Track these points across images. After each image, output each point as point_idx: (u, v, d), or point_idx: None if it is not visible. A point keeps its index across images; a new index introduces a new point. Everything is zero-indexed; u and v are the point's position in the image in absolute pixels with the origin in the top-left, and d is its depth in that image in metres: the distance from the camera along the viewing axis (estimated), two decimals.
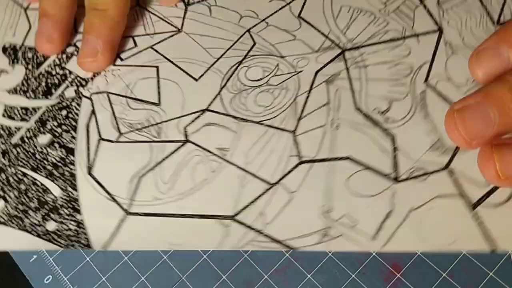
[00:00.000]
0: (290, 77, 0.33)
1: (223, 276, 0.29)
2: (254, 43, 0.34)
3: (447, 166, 0.28)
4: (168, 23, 0.37)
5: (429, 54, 0.32)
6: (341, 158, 0.29)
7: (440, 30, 0.32)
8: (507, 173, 0.25)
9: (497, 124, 0.26)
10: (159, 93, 0.34)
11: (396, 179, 0.28)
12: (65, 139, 0.33)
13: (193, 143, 0.32)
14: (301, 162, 0.30)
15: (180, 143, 0.32)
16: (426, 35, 0.32)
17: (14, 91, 0.36)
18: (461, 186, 0.28)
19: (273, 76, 0.33)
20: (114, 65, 0.36)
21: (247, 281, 0.29)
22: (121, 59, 0.36)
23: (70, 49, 0.37)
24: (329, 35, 0.34)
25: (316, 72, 0.32)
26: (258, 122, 0.32)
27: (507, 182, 0.26)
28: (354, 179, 0.29)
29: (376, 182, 0.28)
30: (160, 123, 0.33)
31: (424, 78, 0.31)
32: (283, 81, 0.33)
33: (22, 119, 0.35)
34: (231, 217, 0.29)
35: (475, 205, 0.27)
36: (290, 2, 0.36)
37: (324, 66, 0.33)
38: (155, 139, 0.32)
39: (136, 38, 0.37)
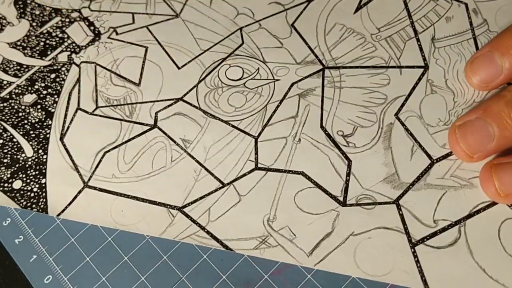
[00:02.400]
0: (266, 83, 0.33)
1: (223, 276, 0.29)
2: (242, 43, 0.35)
3: (397, 200, 0.29)
4: (169, 6, 0.37)
5: (407, 88, 0.31)
6: (295, 172, 0.30)
7: (426, 67, 0.32)
8: (507, 191, 0.27)
9: (496, 138, 0.27)
10: (141, 74, 0.35)
11: (343, 203, 0.29)
12: (47, 102, 0.35)
13: (160, 129, 0.33)
14: (257, 168, 0.31)
15: (148, 127, 0.33)
16: (410, 69, 0.32)
17: (15, 45, 0.38)
18: (406, 222, 0.28)
19: (251, 79, 0.33)
20: (109, 37, 0.37)
21: (247, 281, 0.29)
22: (116, 33, 0.37)
23: (74, 14, 0.38)
24: (315, 49, 0.34)
25: (292, 84, 0.33)
26: (225, 121, 0.32)
27: (508, 199, 0.27)
28: (303, 194, 0.30)
29: (323, 201, 0.29)
30: (134, 103, 0.34)
31: (396, 110, 0.31)
32: (259, 86, 0.33)
33: (15, 75, 0.37)
34: (179, 208, 0.30)
35: (416, 243, 0.28)
36: (287, 9, 0.36)
37: (301, 80, 0.33)
38: (127, 119, 0.33)
39: (135, 15, 0.38)
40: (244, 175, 0.31)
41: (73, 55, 0.37)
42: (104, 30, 0.37)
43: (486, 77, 0.29)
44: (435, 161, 0.29)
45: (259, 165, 0.31)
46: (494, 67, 0.29)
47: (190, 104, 0.33)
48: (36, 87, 0.36)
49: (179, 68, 0.35)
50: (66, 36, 0.38)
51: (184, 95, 0.34)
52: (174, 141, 0.32)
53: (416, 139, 0.30)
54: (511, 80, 0.29)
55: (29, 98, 0.35)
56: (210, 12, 0.37)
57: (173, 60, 0.35)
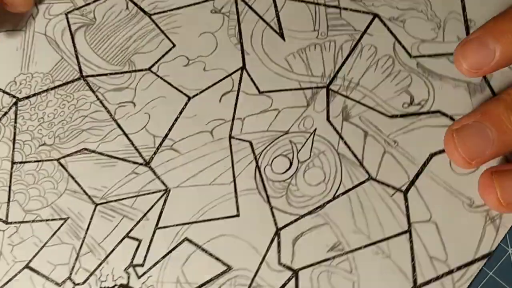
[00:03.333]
0: (313, 142, 0.30)
1: None
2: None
3: None
4: (147, 193, 0.31)
5: (388, 36, 0.32)
6: (427, 161, 0.29)
7: (375, 15, 0.33)
8: (509, 200, 0.26)
9: (495, 143, 0.26)
10: (217, 258, 0.28)
11: None
12: None
13: (303, 268, 0.27)
14: (405, 192, 0.28)
15: (293, 279, 0.27)
16: (370, 26, 0.33)
17: None
18: None
19: (298, 152, 0.30)
20: (139, 277, 0.28)
21: None
22: (141, 265, 0.29)
23: None
24: (302, 85, 0.32)
25: (328, 119, 0.31)
26: (334, 197, 0.29)
27: (509, 208, 0.26)
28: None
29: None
30: (253, 281, 0.27)
31: (406, 54, 0.32)
32: (312, 148, 0.30)
33: None
34: None
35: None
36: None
37: (328, 111, 0.31)
38: None
39: (132, 234, 0.30)
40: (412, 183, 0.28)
41: None
42: (124, 278, 0.29)
43: (477, 62, 0.27)
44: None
45: (400, 188, 0.28)
46: (486, 52, 0.27)
47: (290, 223, 0.28)
48: None
49: (238, 216, 0.29)
50: None
51: (276, 223, 0.28)
52: (328, 259, 0.27)
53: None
54: (503, 67, 0.28)
55: None
56: None
57: (224, 217, 0.29)
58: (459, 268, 0.26)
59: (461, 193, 0.28)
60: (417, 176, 0.28)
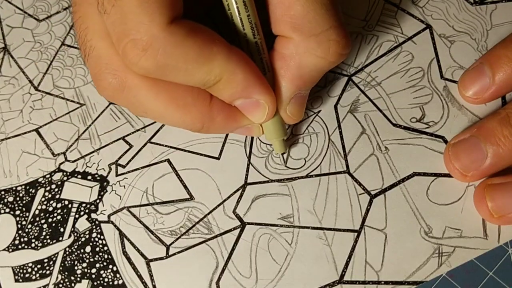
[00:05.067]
0: (313, 120, 0.31)
1: None
2: None
3: None
4: None
5: (431, 50, 0.32)
6: (409, 176, 0.29)
7: (429, 26, 0.33)
8: (500, 212, 0.26)
9: (490, 157, 0.26)
10: (185, 186, 0.31)
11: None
12: (107, 278, 0.29)
13: (250, 223, 0.29)
14: (373, 196, 0.29)
15: (238, 229, 0.29)
16: (418, 34, 0.32)
17: (15, 247, 0.31)
18: None
19: (294, 125, 0.31)
20: (117, 175, 0.32)
21: None
22: (123, 166, 0.32)
23: (56, 176, 0.32)
24: None
25: (335, 106, 0.31)
26: (307, 176, 0.30)
27: (501, 221, 0.26)
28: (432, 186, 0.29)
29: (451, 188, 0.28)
30: (204, 217, 0.30)
31: (438, 74, 0.31)
32: (308, 126, 0.31)
33: (42, 276, 0.29)
34: None
35: None
36: None
37: (340, 98, 0.32)
38: (210, 236, 0.29)
39: (127, 138, 0.33)
40: (368, 209, 0.28)
41: (93, 215, 0.31)
42: (105, 171, 0.32)
43: (477, 89, 0.29)
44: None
45: (372, 192, 0.29)
46: (483, 79, 0.28)
47: (260, 182, 0.30)
48: (79, 272, 0.29)
49: (218, 158, 0.31)
50: (66, 201, 0.31)
51: (246, 177, 0.30)
52: (276, 225, 0.29)
53: None
54: (504, 93, 0.29)
55: (82, 287, 0.29)
56: None
57: (206, 155, 0.31)
58: (386, 283, 0.27)
59: (424, 219, 0.28)
60: (391, 187, 0.29)
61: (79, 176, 0.32)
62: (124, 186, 0.31)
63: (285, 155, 0.30)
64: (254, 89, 0.25)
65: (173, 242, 0.29)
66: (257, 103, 0.26)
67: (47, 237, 0.31)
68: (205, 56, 0.23)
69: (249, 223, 0.29)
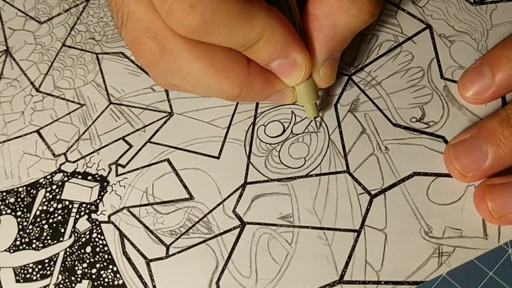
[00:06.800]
0: (313, 119, 0.31)
1: None
2: None
3: None
4: (154, 110, 0.34)
5: (430, 51, 0.32)
6: (409, 177, 0.29)
7: (429, 26, 0.32)
8: (500, 213, 0.26)
9: (490, 157, 0.26)
10: (185, 185, 0.31)
11: None
12: (107, 278, 0.29)
13: (250, 223, 0.29)
14: (373, 196, 0.28)
15: (238, 227, 0.29)
16: (418, 34, 0.32)
17: (16, 248, 0.31)
18: None
19: (294, 124, 0.31)
20: (117, 175, 0.32)
21: None
22: (123, 166, 0.32)
23: (57, 177, 0.32)
24: None
25: (335, 105, 0.31)
26: (307, 175, 0.30)
27: (501, 221, 0.26)
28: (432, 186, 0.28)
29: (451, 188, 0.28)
30: (204, 216, 0.30)
31: (438, 73, 0.31)
32: (308, 125, 0.31)
33: (42, 276, 0.30)
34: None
35: None
36: None
37: (340, 97, 0.32)
38: (209, 236, 0.29)
39: (127, 138, 0.33)
40: (369, 209, 0.28)
41: (93, 215, 0.31)
42: (106, 171, 0.32)
43: (477, 90, 0.29)
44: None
45: (373, 192, 0.29)
46: (483, 80, 0.28)
47: (260, 181, 0.30)
48: (80, 272, 0.29)
49: (218, 158, 0.31)
50: (67, 202, 0.32)
51: (246, 177, 0.30)
52: (276, 224, 0.29)
53: None
54: (504, 93, 0.29)
55: (82, 287, 0.29)
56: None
57: (206, 154, 0.31)
58: (386, 282, 0.26)
59: (424, 219, 0.28)
60: (391, 186, 0.29)
61: (80, 177, 0.32)
62: (124, 186, 0.31)
63: (318, 119, 0.30)
64: (292, 48, 0.26)
65: (173, 242, 0.29)
66: (294, 63, 0.26)
67: (48, 237, 0.31)
68: (248, 13, 0.24)
69: (249, 223, 0.29)
